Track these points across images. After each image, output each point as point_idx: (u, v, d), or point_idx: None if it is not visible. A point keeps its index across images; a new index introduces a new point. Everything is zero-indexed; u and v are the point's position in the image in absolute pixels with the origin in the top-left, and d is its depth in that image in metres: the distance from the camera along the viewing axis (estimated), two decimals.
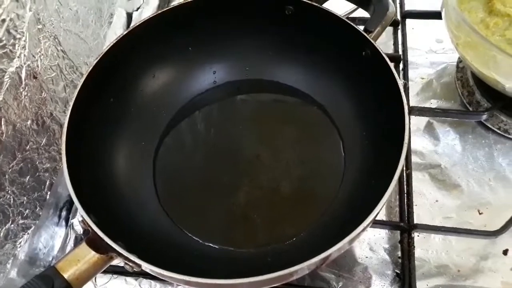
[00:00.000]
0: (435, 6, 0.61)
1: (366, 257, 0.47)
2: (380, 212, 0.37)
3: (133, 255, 0.35)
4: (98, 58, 0.46)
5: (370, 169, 0.44)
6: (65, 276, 0.35)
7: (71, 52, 0.51)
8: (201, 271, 0.38)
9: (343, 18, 0.46)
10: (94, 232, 0.36)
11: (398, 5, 0.62)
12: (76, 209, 0.52)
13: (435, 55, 0.61)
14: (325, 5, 0.48)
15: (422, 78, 0.59)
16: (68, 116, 0.42)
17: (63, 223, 0.52)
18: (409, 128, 0.39)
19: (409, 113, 0.40)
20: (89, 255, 0.36)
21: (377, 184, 0.41)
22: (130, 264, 0.36)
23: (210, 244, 0.44)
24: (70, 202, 0.53)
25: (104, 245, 0.36)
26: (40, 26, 0.46)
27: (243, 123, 0.53)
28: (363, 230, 0.35)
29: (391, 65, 0.42)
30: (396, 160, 0.38)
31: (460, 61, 0.57)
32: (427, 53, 0.61)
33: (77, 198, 0.37)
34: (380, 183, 0.39)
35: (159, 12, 0.49)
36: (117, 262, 0.37)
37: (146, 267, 0.35)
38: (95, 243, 0.36)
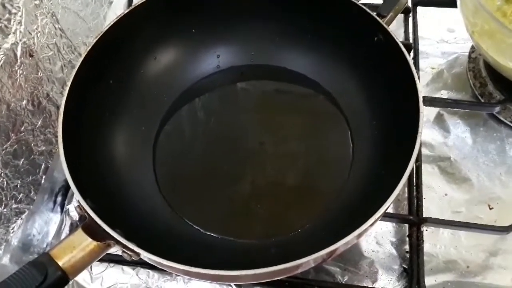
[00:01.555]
0: None
1: (373, 251, 0.45)
2: None
3: (132, 243, 0.34)
4: (98, 37, 0.44)
5: (380, 161, 0.42)
6: (60, 263, 0.33)
7: (69, 31, 0.49)
8: (202, 262, 0.37)
9: (355, 1, 0.44)
10: (91, 218, 0.34)
11: None
12: (72, 194, 0.50)
13: (447, 45, 0.59)
14: None
15: (433, 68, 0.57)
16: (65, 97, 0.40)
17: (58, 209, 0.50)
18: (423, 119, 0.37)
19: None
20: (85, 242, 0.34)
21: (387, 176, 0.39)
22: (129, 252, 0.34)
23: (211, 234, 0.43)
24: (66, 187, 0.51)
25: (101, 232, 0.34)
26: (37, 2, 0.44)
27: (247, 110, 0.51)
28: (373, 224, 0.34)
29: (405, 51, 0.40)
30: (408, 152, 0.36)
31: (472, 51, 0.56)
32: (438, 43, 0.59)
33: (74, 182, 0.35)
34: (390, 175, 0.38)
35: None
36: (114, 250, 0.35)
37: (146, 256, 0.33)
38: (91, 230, 0.34)
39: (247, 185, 0.46)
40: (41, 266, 0.32)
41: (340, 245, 0.33)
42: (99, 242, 0.34)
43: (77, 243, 0.34)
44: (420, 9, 0.60)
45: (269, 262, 0.37)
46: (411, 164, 0.35)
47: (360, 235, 0.34)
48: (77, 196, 0.35)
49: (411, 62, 0.40)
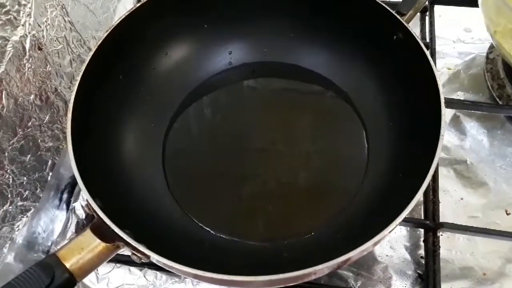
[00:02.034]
0: None
1: (387, 256, 0.44)
2: None
3: (142, 245, 0.32)
4: (108, 31, 0.42)
5: (397, 163, 0.41)
6: (67, 265, 0.32)
7: (79, 24, 0.47)
8: (212, 265, 0.36)
9: None
10: (100, 218, 0.33)
11: None
12: (79, 192, 0.49)
13: (463, 45, 0.57)
14: None
15: (449, 69, 0.56)
16: (74, 92, 0.39)
17: (64, 206, 0.49)
18: (445, 122, 0.36)
19: None
20: (93, 244, 0.33)
21: (405, 180, 0.38)
22: (138, 254, 0.33)
23: (221, 235, 0.42)
24: (72, 184, 0.50)
25: (110, 233, 0.33)
26: None
27: (259, 108, 0.50)
28: (391, 231, 0.33)
29: (426, 51, 0.39)
30: (430, 156, 0.35)
31: (490, 51, 0.54)
32: (455, 43, 0.58)
33: (83, 181, 0.34)
34: (409, 179, 0.37)
35: None
36: (121, 250, 0.34)
37: (156, 258, 0.32)
38: (100, 231, 0.33)
39: (259, 185, 0.45)
40: (48, 267, 0.31)
41: (356, 253, 0.32)
42: (108, 244, 0.33)
43: (85, 244, 0.33)
44: (436, 8, 0.58)
45: (281, 267, 0.35)
46: (433, 169, 0.33)
47: (377, 243, 0.33)
48: (86, 195, 0.34)
49: (432, 62, 0.38)
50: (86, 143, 0.38)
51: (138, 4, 0.44)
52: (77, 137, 0.37)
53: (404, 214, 0.32)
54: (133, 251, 0.33)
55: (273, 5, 0.48)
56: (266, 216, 0.43)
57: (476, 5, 0.49)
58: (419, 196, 0.33)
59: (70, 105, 0.38)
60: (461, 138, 0.51)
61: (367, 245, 0.32)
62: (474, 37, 0.58)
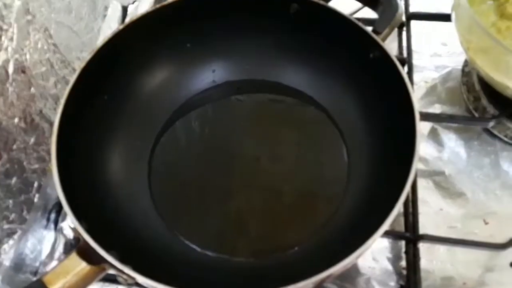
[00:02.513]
0: (439, 9, 0.61)
1: (369, 267, 0.45)
2: None
3: (128, 266, 0.33)
4: (92, 53, 0.43)
5: (377, 178, 0.42)
6: None
7: (62, 46, 0.48)
8: (200, 284, 0.36)
9: (351, 18, 0.44)
10: (85, 241, 0.34)
11: (403, 7, 0.60)
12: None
13: (440, 59, 0.59)
14: (331, 4, 0.46)
15: (426, 82, 0.57)
16: (59, 113, 0.39)
17: (52, 226, 0.49)
18: (420, 137, 0.37)
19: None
20: (79, 267, 0.33)
21: (384, 194, 0.39)
22: (124, 276, 0.34)
23: (207, 253, 0.42)
24: (60, 204, 0.50)
25: (96, 255, 0.33)
26: (29, 17, 0.43)
27: (243, 125, 0.51)
28: (371, 245, 0.34)
29: (401, 69, 0.40)
30: (406, 171, 0.36)
31: (465, 65, 0.56)
32: (432, 57, 0.59)
33: (68, 204, 0.35)
34: (388, 193, 0.38)
35: (157, 6, 0.47)
36: None
37: (143, 281, 0.33)
38: (86, 253, 0.34)
39: (243, 201, 0.46)
40: None
41: (339, 267, 0.33)
42: (94, 266, 0.34)
43: (71, 268, 0.33)
44: (413, 23, 0.60)
45: (268, 283, 0.36)
46: (409, 183, 0.35)
47: (359, 256, 0.34)
48: (71, 218, 0.34)
49: (407, 80, 0.40)
50: (72, 165, 0.39)
51: (121, 27, 0.45)
52: (62, 159, 0.37)
53: (384, 227, 0.33)
54: (119, 273, 0.34)
55: (255, 24, 0.49)
56: (251, 231, 0.44)
57: (451, 20, 0.51)
58: (398, 209, 0.34)
59: (55, 127, 0.39)
60: (439, 150, 0.52)
61: (349, 259, 0.33)
62: (450, 50, 0.59)
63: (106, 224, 0.39)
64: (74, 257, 0.33)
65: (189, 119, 0.51)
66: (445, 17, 0.54)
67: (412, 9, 0.60)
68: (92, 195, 0.40)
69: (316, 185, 0.46)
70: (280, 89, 0.51)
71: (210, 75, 0.52)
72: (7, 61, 0.40)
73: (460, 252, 0.45)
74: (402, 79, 0.40)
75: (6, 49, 0.40)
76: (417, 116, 0.37)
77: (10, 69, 0.41)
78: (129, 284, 0.36)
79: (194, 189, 0.47)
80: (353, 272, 0.45)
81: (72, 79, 0.41)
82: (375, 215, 0.37)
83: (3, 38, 0.40)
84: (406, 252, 0.44)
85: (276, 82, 0.51)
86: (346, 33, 0.45)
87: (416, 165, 0.36)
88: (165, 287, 0.32)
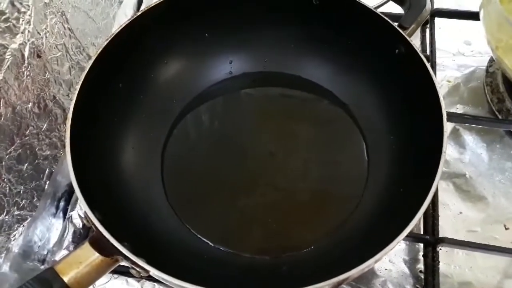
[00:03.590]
0: (462, 6, 0.59)
1: (386, 270, 0.44)
2: None
3: (141, 259, 0.32)
4: (108, 40, 0.42)
5: (398, 178, 0.41)
6: (65, 279, 0.31)
7: (78, 31, 0.47)
8: (212, 279, 0.35)
9: (377, 11, 0.43)
10: (99, 231, 0.33)
11: (430, 2, 0.58)
12: (76, 200, 0.49)
13: (463, 58, 0.58)
14: None
15: (449, 82, 0.56)
16: (74, 100, 0.38)
17: (61, 214, 0.48)
18: (447, 137, 0.36)
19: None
20: (92, 257, 0.32)
21: (406, 195, 0.38)
22: (137, 269, 0.33)
23: (220, 248, 0.41)
24: (69, 192, 0.49)
25: (109, 246, 0.32)
26: (47, 0, 0.42)
27: (258, 119, 0.49)
28: (394, 246, 0.32)
29: (429, 67, 0.39)
30: (432, 171, 0.35)
31: (490, 65, 0.54)
32: (455, 55, 0.58)
33: (82, 193, 0.34)
34: (410, 194, 0.37)
35: None
36: None
37: (156, 274, 0.32)
38: (99, 244, 0.33)
39: (258, 197, 0.44)
40: (45, 282, 0.31)
41: (357, 270, 0.32)
42: (106, 257, 0.33)
43: (83, 258, 0.32)
44: (437, 20, 0.58)
45: (280, 282, 0.35)
46: (435, 186, 0.33)
47: (378, 260, 0.33)
48: (85, 208, 0.33)
49: (434, 78, 0.38)
50: (85, 153, 0.38)
51: (138, 13, 0.44)
52: (76, 147, 0.36)
53: (407, 231, 0.32)
54: (132, 265, 0.33)
55: (275, 16, 0.48)
56: (266, 228, 0.42)
57: (476, 19, 0.49)
58: (422, 212, 0.33)
59: (70, 114, 0.38)
60: (461, 152, 0.51)
61: (368, 263, 0.32)
62: (474, 50, 0.58)
63: (119, 216, 0.38)
64: (86, 247, 0.33)
65: (203, 111, 0.50)
66: (472, 15, 0.53)
67: (436, 5, 0.59)
68: (105, 185, 0.39)
69: (333, 183, 0.45)
70: (299, 82, 0.50)
71: (227, 66, 0.50)
72: (23, 45, 0.39)
73: (479, 257, 0.44)
74: (429, 77, 0.38)
75: (23, 32, 0.39)
76: (445, 116, 0.36)
77: (26, 53, 0.40)
78: (141, 277, 0.35)
79: (207, 183, 0.45)
80: (369, 274, 0.44)
81: (87, 65, 0.40)
82: (395, 217, 0.35)
83: (20, 20, 0.39)
84: (424, 255, 0.43)
85: (295, 75, 0.50)
86: (371, 27, 0.43)
87: (442, 169, 0.35)
88: (178, 281, 0.31)
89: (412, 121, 0.41)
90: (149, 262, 0.32)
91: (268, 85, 0.51)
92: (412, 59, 0.40)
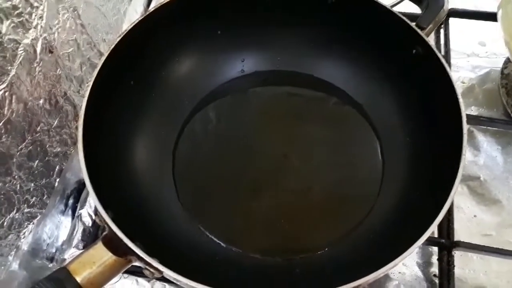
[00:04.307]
0: (477, 6, 0.58)
1: (399, 273, 0.43)
2: None
3: (155, 259, 0.31)
4: (121, 37, 0.41)
5: (414, 181, 0.40)
6: (78, 279, 0.31)
7: (90, 27, 0.46)
8: (223, 280, 0.35)
9: (394, 10, 0.42)
10: (112, 231, 0.32)
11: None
12: (85, 198, 0.48)
13: (478, 59, 0.57)
14: None
15: (463, 83, 0.55)
16: (86, 98, 0.37)
17: (70, 212, 0.48)
18: (466, 140, 0.35)
19: None
20: (105, 257, 0.32)
21: (422, 199, 0.37)
22: (151, 270, 0.32)
23: (232, 248, 0.41)
24: (78, 190, 0.49)
25: (122, 246, 0.32)
26: None
27: (270, 117, 0.49)
28: (413, 251, 0.32)
29: (447, 67, 0.38)
30: (451, 175, 0.34)
31: (505, 67, 0.53)
32: (469, 56, 0.57)
33: (95, 192, 0.33)
34: (428, 198, 0.36)
35: None
36: None
37: (170, 275, 0.31)
38: (112, 244, 0.32)
39: (270, 198, 0.44)
40: (58, 282, 0.30)
41: (373, 276, 0.31)
42: (120, 258, 0.32)
43: (97, 258, 0.32)
44: (451, 20, 0.58)
45: (294, 284, 0.35)
46: (455, 189, 0.33)
47: (395, 265, 0.32)
48: (98, 207, 0.33)
49: (453, 79, 0.38)
50: (97, 152, 0.37)
51: (151, 10, 0.43)
52: (88, 145, 0.36)
53: (426, 236, 0.31)
54: (146, 266, 0.32)
55: (289, 14, 0.47)
56: (279, 229, 0.42)
57: (493, 19, 0.48)
58: (441, 218, 0.32)
59: (82, 111, 0.37)
60: (475, 154, 0.50)
61: (387, 268, 0.31)
62: (489, 51, 0.57)
63: (131, 215, 0.37)
64: (100, 246, 0.32)
65: (215, 110, 0.49)
66: (488, 16, 0.52)
67: (451, 5, 0.58)
68: (116, 184, 0.39)
69: (347, 184, 0.44)
70: (311, 81, 0.49)
71: (239, 64, 0.50)
72: (36, 40, 0.39)
73: (494, 261, 0.43)
74: (447, 78, 0.38)
75: (36, 27, 0.39)
76: (464, 118, 0.35)
77: (39, 48, 0.39)
78: (154, 278, 0.35)
79: (218, 183, 0.45)
80: (382, 277, 0.43)
81: (100, 62, 0.40)
82: (413, 221, 0.35)
83: (33, 15, 0.38)
84: (439, 259, 0.42)
85: (308, 74, 0.49)
86: (387, 27, 0.43)
87: (461, 173, 0.34)
88: (194, 283, 0.30)
89: (429, 123, 0.41)
90: (162, 263, 0.32)
91: (280, 84, 0.50)
92: (430, 60, 0.40)
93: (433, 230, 0.32)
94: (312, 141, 0.47)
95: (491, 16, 0.48)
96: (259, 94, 0.51)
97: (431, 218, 0.32)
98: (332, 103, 0.49)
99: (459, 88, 0.53)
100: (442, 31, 0.56)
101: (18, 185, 0.39)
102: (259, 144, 0.47)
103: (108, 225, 0.33)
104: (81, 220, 0.46)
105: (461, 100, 0.36)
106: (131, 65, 0.43)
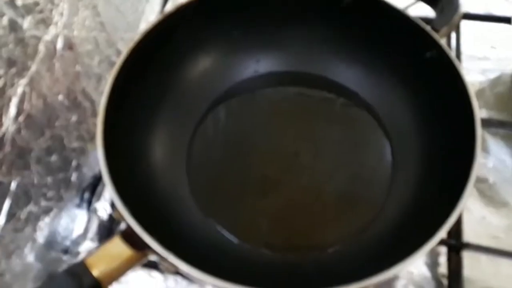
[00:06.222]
0: (489, 10, 0.58)
1: (407, 272, 0.44)
2: None
3: (172, 254, 0.32)
4: (141, 36, 0.42)
5: (425, 183, 0.40)
6: (95, 273, 0.31)
7: (109, 25, 0.47)
8: (236, 275, 0.35)
9: (407, 13, 0.43)
10: (130, 226, 0.33)
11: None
12: (100, 192, 0.49)
13: (488, 62, 0.57)
14: None
15: (473, 86, 0.55)
16: (106, 94, 0.38)
17: (84, 205, 0.49)
18: (480, 145, 0.36)
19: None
20: (122, 252, 0.33)
21: (436, 200, 0.38)
22: (166, 264, 0.33)
23: (244, 244, 0.41)
24: (94, 184, 0.49)
25: (139, 241, 0.33)
26: None
27: (283, 118, 0.49)
28: (424, 253, 0.32)
29: (462, 71, 0.39)
30: (463, 178, 0.34)
31: None
32: (480, 60, 0.57)
33: (114, 187, 0.34)
34: (439, 199, 0.37)
35: None
36: None
37: (186, 269, 0.32)
38: (129, 238, 0.33)
39: (281, 195, 0.44)
40: (75, 275, 0.31)
41: (385, 276, 0.31)
42: (137, 252, 0.33)
43: (114, 252, 0.32)
44: (462, 23, 0.58)
45: (304, 281, 0.35)
46: (467, 193, 0.33)
47: (407, 266, 0.32)
48: (117, 203, 0.33)
49: (467, 82, 0.38)
50: (115, 149, 0.38)
51: (171, 10, 0.44)
52: (107, 142, 0.37)
53: (438, 238, 0.32)
54: (162, 261, 0.33)
55: (304, 16, 0.47)
56: (290, 226, 0.43)
57: (506, 22, 0.49)
58: (453, 220, 0.32)
59: (102, 109, 0.38)
60: (485, 156, 0.50)
61: (399, 268, 0.31)
62: (500, 54, 0.57)
63: (147, 210, 0.38)
64: (117, 241, 0.33)
65: (228, 109, 0.50)
66: (501, 19, 0.52)
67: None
68: (133, 180, 0.39)
69: (358, 184, 0.45)
70: (324, 83, 0.49)
71: (253, 64, 0.50)
72: (56, 36, 0.40)
73: (504, 264, 0.44)
74: (461, 81, 0.38)
75: (56, 24, 0.39)
76: (478, 122, 0.36)
77: (59, 45, 0.40)
78: (169, 272, 0.36)
79: (231, 181, 0.46)
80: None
81: (118, 61, 0.40)
82: (424, 222, 0.35)
83: (53, 12, 0.39)
84: (448, 260, 0.43)
85: (321, 75, 0.50)
86: (401, 29, 0.43)
87: (474, 177, 0.34)
88: (210, 278, 0.31)
89: (441, 126, 0.41)
90: (178, 258, 0.32)
91: (293, 84, 0.51)
92: (443, 63, 0.40)
93: (444, 233, 0.32)
94: (323, 140, 0.48)
95: (506, 20, 0.49)
96: (272, 94, 0.51)
97: (442, 221, 0.33)
98: (344, 105, 0.49)
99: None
100: (453, 34, 0.57)
101: (36, 179, 0.40)
102: (271, 143, 0.48)
103: (125, 220, 0.33)
104: (96, 213, 0.47)
105: (475, 104, 0.37)
106: (149, 64, 0.44)
